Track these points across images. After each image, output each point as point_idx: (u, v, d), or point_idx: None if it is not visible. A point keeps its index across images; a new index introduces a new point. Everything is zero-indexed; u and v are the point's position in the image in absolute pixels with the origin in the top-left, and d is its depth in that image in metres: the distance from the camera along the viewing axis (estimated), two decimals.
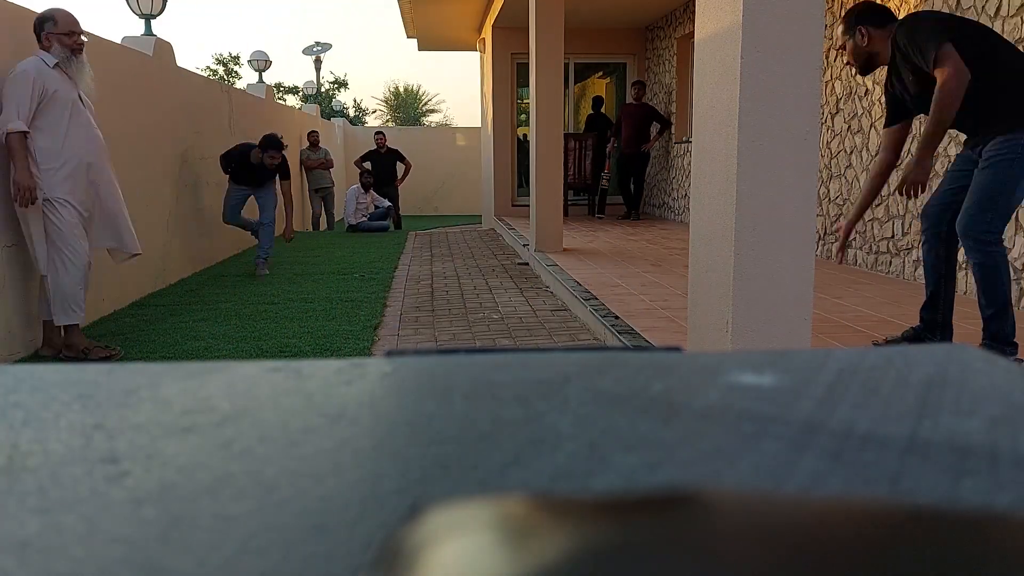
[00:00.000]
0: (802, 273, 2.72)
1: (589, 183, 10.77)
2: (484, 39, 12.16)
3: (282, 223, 7.79)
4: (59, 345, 4.23)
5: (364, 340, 4.53)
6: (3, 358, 4.03)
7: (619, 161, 10.47)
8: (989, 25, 4.67)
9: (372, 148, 12.65)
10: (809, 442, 0.33)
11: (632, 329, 4.08)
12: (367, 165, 12.00)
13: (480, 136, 14.64)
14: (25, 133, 3.93)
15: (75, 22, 4.17)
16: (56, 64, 4.06)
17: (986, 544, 0.18)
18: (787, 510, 0.19)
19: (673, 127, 10.37)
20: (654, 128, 10.27)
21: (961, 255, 3.29)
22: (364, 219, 11.61)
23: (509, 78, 11.68)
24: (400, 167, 12.47)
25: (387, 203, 11.96)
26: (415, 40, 13.20)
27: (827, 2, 6.55)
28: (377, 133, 13.04)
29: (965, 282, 4.79)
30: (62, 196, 4.04)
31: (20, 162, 3.90)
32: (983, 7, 4.73)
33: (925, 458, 0.31)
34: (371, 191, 11.81)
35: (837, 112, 6.48)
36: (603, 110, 11.12)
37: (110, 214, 4.33)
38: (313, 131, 12.67)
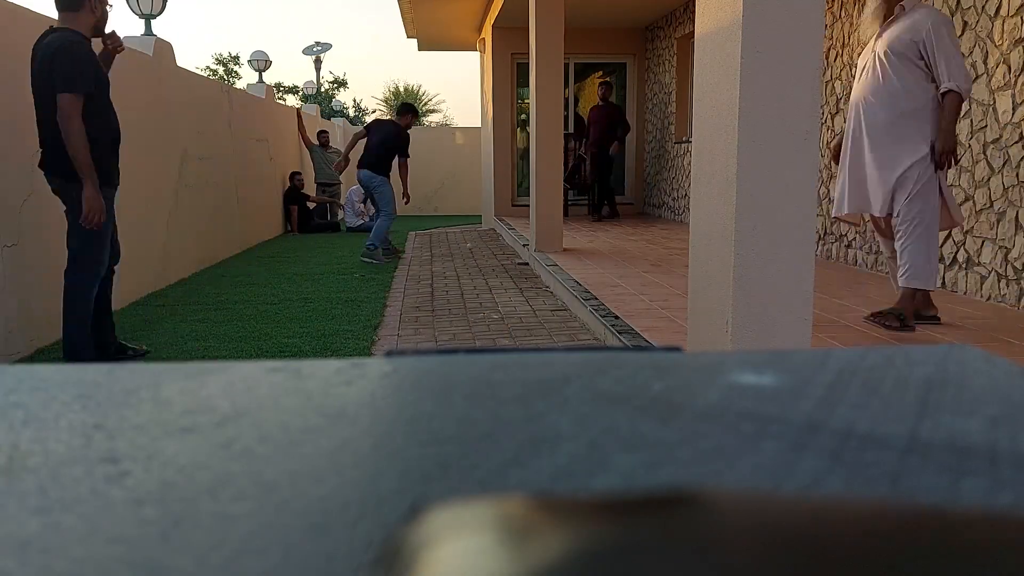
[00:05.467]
0: (802, 273, 2.72)
1: (589, 183, 10.81)
2: (484, 39, 12.16)
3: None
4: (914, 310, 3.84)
5: (364, 340, 4.53)
6: (4, 358, 4.03)
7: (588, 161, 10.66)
8: (989, 25, 4.66)
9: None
10: (809, 442, 0.33)
11: (632, 329, 4.08)
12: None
13: (480, 136, 14.63)
14: None
15: None
16: None
17: (986, 544, 0.18)
18: (787, 510, 0.19)
19: (631, 131, 10.71)
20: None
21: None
22: (363, 222, 11.64)
23: (509, 78, 11.68)
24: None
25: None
26: (415, 40, 13.19)
27: (827, 2, 6.54)
28: None
29: (965, 282, 4.78)
30: None
31: None
32: (983, 7, 4.73)
33: (925, 458, 0.31)
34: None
35: (837, 112, 6.47)
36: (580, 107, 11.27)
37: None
38: (323, 131, 12.67)
